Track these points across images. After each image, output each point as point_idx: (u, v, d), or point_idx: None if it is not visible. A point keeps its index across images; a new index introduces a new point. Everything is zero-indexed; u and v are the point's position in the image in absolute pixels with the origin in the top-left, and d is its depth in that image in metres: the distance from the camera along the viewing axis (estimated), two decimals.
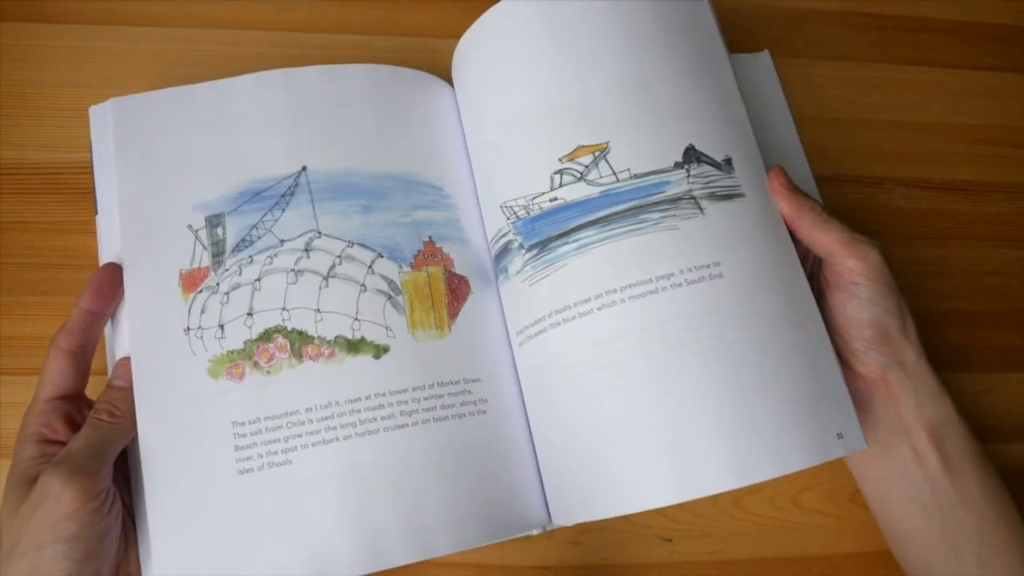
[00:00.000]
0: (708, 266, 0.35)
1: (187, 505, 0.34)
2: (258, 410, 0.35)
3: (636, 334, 0.34)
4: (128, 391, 0.35)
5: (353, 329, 0.37)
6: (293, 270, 0.37)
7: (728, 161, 0.37)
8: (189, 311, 0.37)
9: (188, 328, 0.36)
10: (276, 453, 0.35)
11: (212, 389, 0.36)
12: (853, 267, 0.36)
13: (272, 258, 0.38)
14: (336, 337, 0.37)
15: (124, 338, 0.37)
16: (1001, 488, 0.37)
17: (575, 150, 0.37)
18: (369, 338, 0.37)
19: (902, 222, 0.49)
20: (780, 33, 0.52)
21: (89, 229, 0.40)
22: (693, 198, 0.36)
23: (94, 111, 0.40)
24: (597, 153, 0.37)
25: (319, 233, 0.38)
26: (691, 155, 0.36)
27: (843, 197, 0.49)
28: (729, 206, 0.36)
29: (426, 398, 0.36)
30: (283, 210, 0.38)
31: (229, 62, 0.47)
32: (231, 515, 0.34)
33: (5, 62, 0.45)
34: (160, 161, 0.39)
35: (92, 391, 0.37)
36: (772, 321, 0.34)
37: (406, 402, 0.36)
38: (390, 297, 0.38)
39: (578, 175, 0.37)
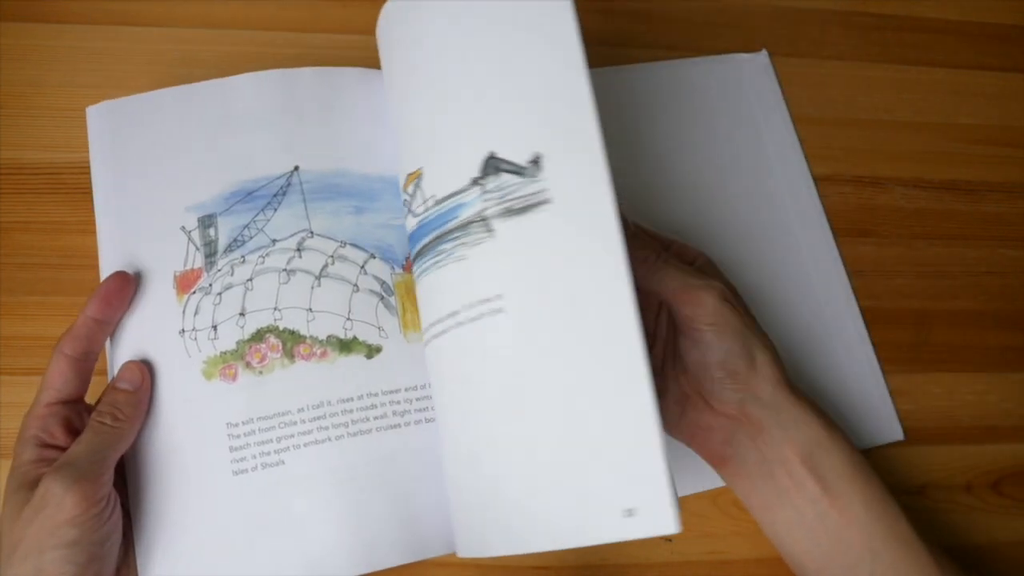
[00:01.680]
0: (489, 299, 0.30)
1: (182, 506, 0.34)
2: (251, 411, 0.35)
3: (433, 377, 0.34)
4: (133, 394, 0.35)
5: (345, 329, 0.37)
6: (285, 270, 0.37)
7: (535, 161, 0.30)
8: (183, 313, 0.37)
9: (183, 330, 0.36)
10: (269, 454, 0.35)
11: (206, 391, 0.36)
12: (689, 314, 0.36)
13: (264, 258, 0.37)
14: (328, 337, 0.36)
15: (122, 341, 0.37)
16: (887, 501, 0.36)
17: (404, 179, 0.35)
18: (361, 338, 0.37)
19: (902, 222, 0.49)
20: (781, 32, 0.52)
21: (89, 229, 0.40)
22: (484, 219, 0.31)
23: (91, 111, 0.40)
24: (415, 181, 0.34)
25: (311, 233, 0.38)
26: (490, 166, 0.31)
27: (843, 197, 0.49)
28: (524, 221, 0.30)
29: (418, 399, 0.36)
30: (275, 210, 0.38)
31: (228, 62, 0.47)
32: (226, 516, 0.34)
33: (5, 62, 0.45)
34: (154, 162, 0.39)
35: (91, 393, 0.37)
36: (559, 362, 0.29)
37: (398, 402, 0.36)
38: (382, 298, 0.38)
39: (407, 206, 0.35)
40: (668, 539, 0.41)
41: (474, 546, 0.32)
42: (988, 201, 0.50)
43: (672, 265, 0.37)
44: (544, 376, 0.29)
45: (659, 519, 0.26)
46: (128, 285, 0.36)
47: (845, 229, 0.48)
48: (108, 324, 0.36)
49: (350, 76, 0.41)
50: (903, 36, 0.53)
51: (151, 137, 0.39)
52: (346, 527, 0.34)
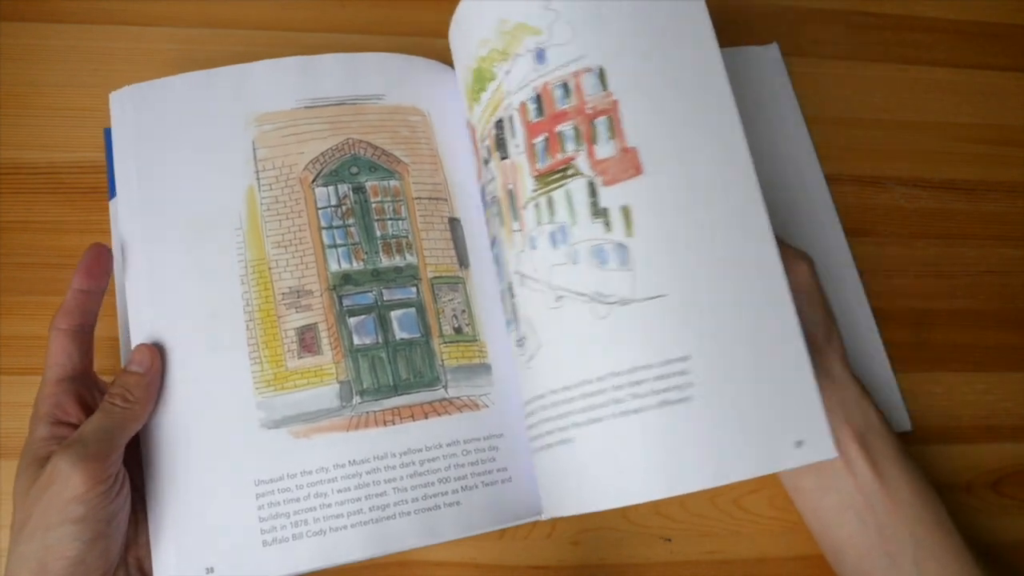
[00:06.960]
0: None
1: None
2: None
3: None
4: (143, 377, 0.35)
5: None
6: None
7: None
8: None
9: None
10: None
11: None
12: None
13: None
14: None
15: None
16: (930, 489, 0.37)
17: None
18: None
19: (902, 222, 0.49)
20: (782, 31, 0.52)
21: (88, 229, 0.40)
22: None
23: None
24: None
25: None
26: None
27: (843, 196, 0.49)
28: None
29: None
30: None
31: (228, 62, 0.46)
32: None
33: (5, 62, 0.45)
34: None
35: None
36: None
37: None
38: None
39: None
40: (668, 539, 0.41)
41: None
42: (988, 201, 0.50)
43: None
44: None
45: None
46: (104, 254, 0.37)
47: (845, 228, 0.48)
48: (95, 294, 0.36)
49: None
50: (903, 36, 0.53)
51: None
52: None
